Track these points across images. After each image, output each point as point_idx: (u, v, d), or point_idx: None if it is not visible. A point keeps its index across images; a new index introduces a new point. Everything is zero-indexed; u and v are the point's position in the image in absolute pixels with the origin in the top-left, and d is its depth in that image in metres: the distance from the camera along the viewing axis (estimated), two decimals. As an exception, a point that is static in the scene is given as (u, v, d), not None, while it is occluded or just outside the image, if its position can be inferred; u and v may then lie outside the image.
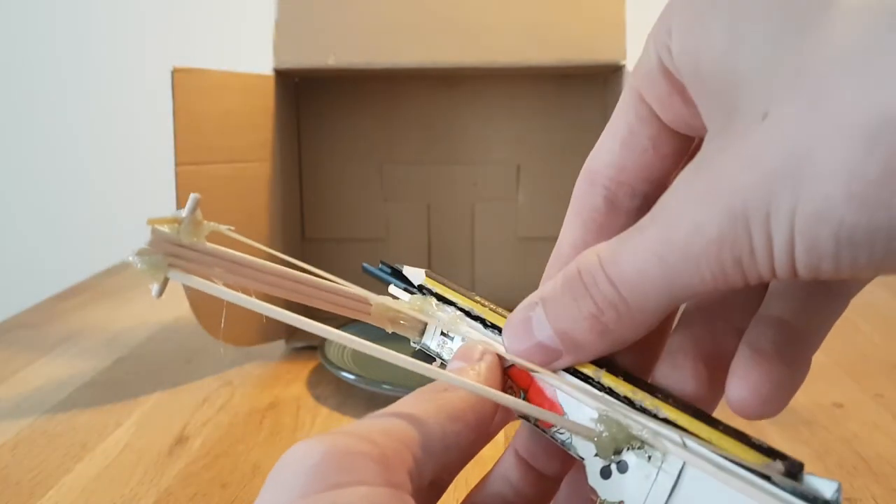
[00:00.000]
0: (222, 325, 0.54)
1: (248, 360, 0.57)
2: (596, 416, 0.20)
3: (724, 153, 0.16)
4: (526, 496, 0.23)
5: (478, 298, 0.24)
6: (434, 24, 0.54)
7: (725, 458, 0.17)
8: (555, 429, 0.21)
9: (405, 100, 0.65)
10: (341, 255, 0.66)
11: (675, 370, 0.21)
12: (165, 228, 0.19)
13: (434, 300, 0.24)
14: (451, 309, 0.24)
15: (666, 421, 0.19)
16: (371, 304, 0.23)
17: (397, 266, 0.26)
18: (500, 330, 0.23)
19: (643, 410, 0.19)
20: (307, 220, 0.66)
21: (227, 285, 0.20)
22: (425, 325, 0.25)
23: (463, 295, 0.24)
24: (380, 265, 0.26)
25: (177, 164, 0.49)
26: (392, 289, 0.25)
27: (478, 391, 0.20)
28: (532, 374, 0.22)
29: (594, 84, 0.63)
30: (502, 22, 0.54)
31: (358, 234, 0.66)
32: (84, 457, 0.42)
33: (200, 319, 0.52)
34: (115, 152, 1.71)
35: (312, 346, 0.58)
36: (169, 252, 0.19)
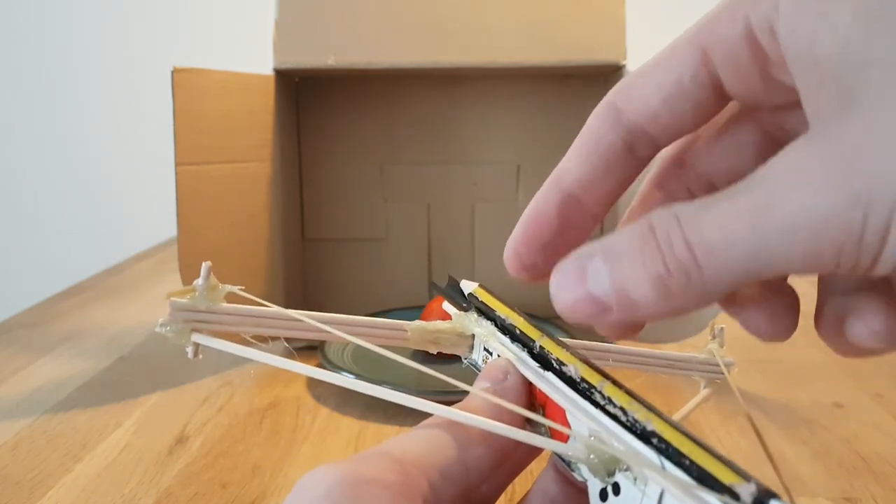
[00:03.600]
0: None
1: (247, 361, 0.57)
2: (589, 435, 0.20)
3: (850, 136, 0.16)
4: None
5: (517, 310, 0.24)
6: (434, 25, 0.54)
7: (701, 474, 0.17)
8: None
9: (405, 100, 0.65)
10: (341, 255, 0.66)
11: None
12: (184, 299, 0.20)
13: (475, 315, 0.25)
14: (487, 323, 0.24)
15: (653, 434, 0.19)
16: (408, 331, 0.24)
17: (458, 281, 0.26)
18: (524, 345, 0.23)
19: (634, 423, 0.19)
20: (307, 219, 0.66)
21: (255, 338, 0.21)
22: (472, 341, 0.25)
23: (507, 307, 0.24)
24: (448, 281, 0.26)
25: (177, 164, 0.49)
26: (445, 305, 0.26)
27: (483, 426, 0.20)
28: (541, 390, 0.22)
29: (594, 84, 0.63)
30: (502, 22, 0.54)
31: (358, 234, 0.66)
32: (84, 457, 0.42)
33: (200, 319, 0.52)
34: (116, 152, 1.71)
35: (312, 346, 0.58)
36: (190, 319, 0.21)
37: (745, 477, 0.16)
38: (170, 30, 1.67)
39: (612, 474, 0.19)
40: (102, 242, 1.67)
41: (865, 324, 0.19)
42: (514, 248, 0.22)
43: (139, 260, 0.97)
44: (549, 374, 0.22)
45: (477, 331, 0.24)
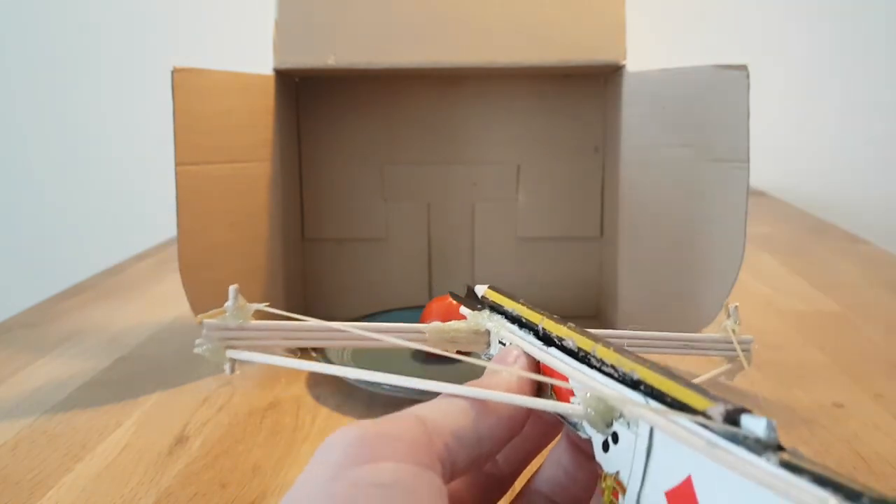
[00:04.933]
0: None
1: (248, 361, 0.57)
2: (587, 395, 0.22)
3: None
4: (577, 479, 0.25)
5: (522, 302, 0.26)
6: (434, 25, 0.54)
7: (679, 405, 0.19)
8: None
9: (405, 100, 0.65)
10: (341, 255, 0.66)
11: None
12: (215, 319, 0.23)
13: (487, 312, 0.27)
14: (498, 317, 0.26)
15: (639, 381, 0.21)
16: (426, 332, 0.26)
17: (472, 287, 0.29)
18: (530, 329, 0.25)
19: (623, 376, 0.21)
20: (307, 219, 0.66)
21: (287, 350, 0.24)
22: (489, 338, 0.27)
23: (513, 300, 0.26)
24: (466, 291, 0.29)
25: (177, 164, 0.49)
26: (462, 309, 0.28)
27: (497, 398, 0.22)
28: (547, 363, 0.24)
29: (594, 84, 0.63)
30: (502, 22, 0.55)
31: (358, 234, 0.66)
32: (84, 457, 0.42)
33: (200, 319, 0.52)
34: (116, 152, 1.71)
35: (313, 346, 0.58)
36: (223, 337, 0.23)
37: (716, 400, 0.18)
38: (170, 30, 1.67)
39: (609, 425, 0.21)
40: (102, 242, 1.67)
41: None
42: None
43: (139, 260, 0.97)
44: (552, 349, 0.24)
45: (489, 325, 0.26)
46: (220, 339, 0.23)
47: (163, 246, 1.06)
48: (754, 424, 0.17)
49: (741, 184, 0.49)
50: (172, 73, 0.48)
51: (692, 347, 0.28)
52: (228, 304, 0.23)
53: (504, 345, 0.26)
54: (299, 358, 0.25)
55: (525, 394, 0.23)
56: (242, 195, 0.54)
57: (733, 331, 0.28)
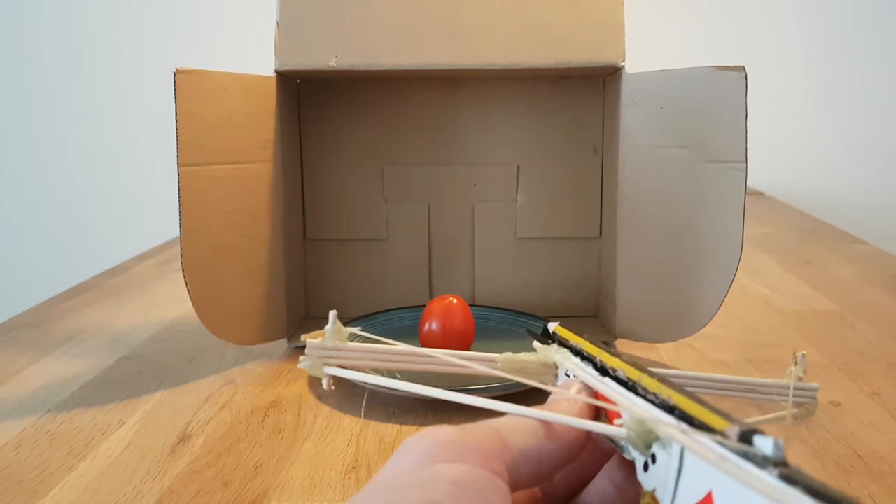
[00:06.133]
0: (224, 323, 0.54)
1: (249, 359, 0.57)
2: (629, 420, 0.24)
3: None
4: (626, 494, 0.27)
5: (586, 337, 0.30)
6: (434, 27, 0.55)
7: (703, 425, 0.22)
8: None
9: (406, 101, 0.65)
10: (343, 255, 0.66)
11: None
12: (317, 340, 0.26)
13: (556, 346, 0.30)
14: (565, 350, 0.29)
15: (674, 406, 0.23)
16: (497, 361, 0.29)
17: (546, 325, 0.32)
18: (592, 363, 0.28)
19: (662, 402, 0.24)
20: (309, 220, 0.66)
21: (374, 370, 0.27)
22: (556, 370, 0.30)
23: (578, 336, 0.30)
24: (542, 330, 0.32)
25: (179, 165, 0.49)
26: (535, 344, 0.31)
27: (556, 420, 0.25)
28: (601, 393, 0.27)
29: (593, 85, 0.63)
30: (502, 24, 0.55)
31: (359, 234, 0.66)
32: (87, 455, 0.42)
33: (203, 319, 0.52)
34: (119, 153, 1.71)
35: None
36: (322, 355, 0.26)
37: (734, 422, 0.21)
38: (172, 32, 1.67)
39: (649, 447, 0.24)
40: (105, 242, 1.67)
41: None
42: None
43: (142, 260, 0.98)
44: (607, 379, 0.27)
45: (556, 357, 0.29)
46: (320, 357, 0.26)
47: (165, 246, 1.06)
48: (764, 443, 0.19)
49: (739, 184, 0.50)
50: (175, 74, 0.48)
51: (758, 392, 0.30)
52: (328, 327, 0.27)
53: (569, 376, 0.29)
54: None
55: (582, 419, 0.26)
56: (244, 196, 0.54)
57: (799, 378, 0.30)
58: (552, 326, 0.32)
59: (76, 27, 1.68)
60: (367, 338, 0.28)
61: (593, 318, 0.66)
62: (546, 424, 0.25)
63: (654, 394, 0.24)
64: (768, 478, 0.18)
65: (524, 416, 0.25)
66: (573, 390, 0.27)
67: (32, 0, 1.66)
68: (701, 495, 0.21)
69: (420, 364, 0.28)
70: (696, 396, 0.23)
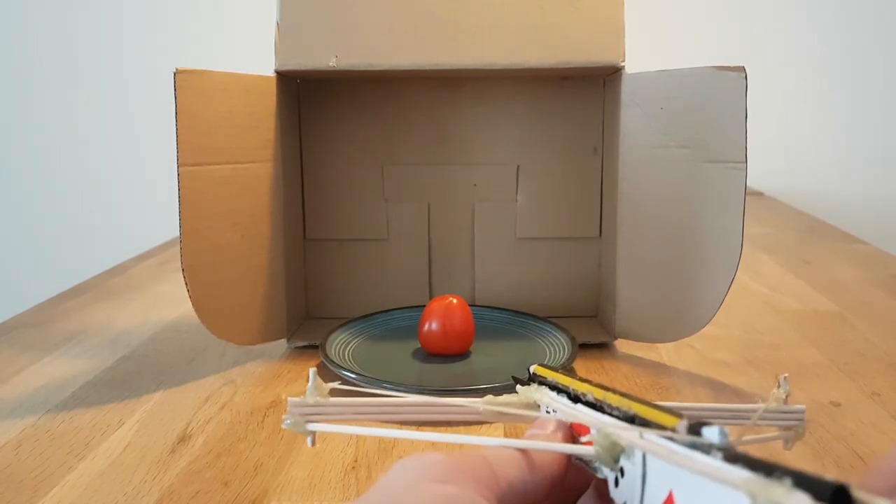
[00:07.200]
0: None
1: (250, 359, 0.58)
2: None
3: None
4: None
5: (562, 372, 0.31)
6: (434, 27, 0.55)
7: (655, 426, 0.23)
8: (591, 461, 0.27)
9: (406, 101, 0.65)
10: (343, 255, 0.66)
11: None
12: (298, 398, 0.27)
13: (535, 385, 0.31)
14: (544, 388, 0.31)
15: (634, 416, 0.25)
16: (480, 409, 0.29)
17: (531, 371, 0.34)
18: (568, 394, 0.29)
19: (623, 414, 0.25)
20: (309, 220, 0.66)
21: (358, 423, 0.28)
22: (538, 409, 0.31)
23: (555, 372, 0.31)
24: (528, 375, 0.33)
25: (179, 165, 0.49)
26: (518, 387, 0.32)
27: (534, 446, 0.27)
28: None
29: (593, 85, 0.63)
30: (502, 24, 0.55)
31: (359, 234, 0.66)
32: (87, 455, 0.42)
33: (203, 319, 0.52)
34: (119, 153, 1.71)
35: (314, 345, 0.59)
36: (303, 413, 0.27)
37: (683, 417, 0.22)
38: (172, 32, 1.67)
39: (616, 461, 0.25)
40: (105, 242, 1.67)
41: None
42: None
43: (141, 260, 0.98)
44: (579, 405, 0.29)
45: (536, 396, 0.30)
46: (302, 415, 0.27)
47: (165, 246, 1.06)
48: (711, 433, 0.21)
49: (739, 184, 0.50)
50: (175, 74, 0.48)
51: (746, 418, 0.30)
52: (309, 385, 0.27)
53: (548, 412, 0.31)
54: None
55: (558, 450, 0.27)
56: (244, 196, 0.54)
57: (783, 400, 0.30)
58: (532, 368, 0.33)
59: (76, 27, 1.68)
60: (349, 391, 0.28)
61: (593, 318, 0.66)
62: (528, 457, 0.26)
63: (617, 408, 0.26)
64: (712, 461, 0.20)
65: (511, 448, 0.26)
66: (549, 429, 0.29)
67: (32, 0, 1.66)
68: (663, 497, 0.22)
69: (403, 415, 0.29)
70: (656, 404, 0.24)
